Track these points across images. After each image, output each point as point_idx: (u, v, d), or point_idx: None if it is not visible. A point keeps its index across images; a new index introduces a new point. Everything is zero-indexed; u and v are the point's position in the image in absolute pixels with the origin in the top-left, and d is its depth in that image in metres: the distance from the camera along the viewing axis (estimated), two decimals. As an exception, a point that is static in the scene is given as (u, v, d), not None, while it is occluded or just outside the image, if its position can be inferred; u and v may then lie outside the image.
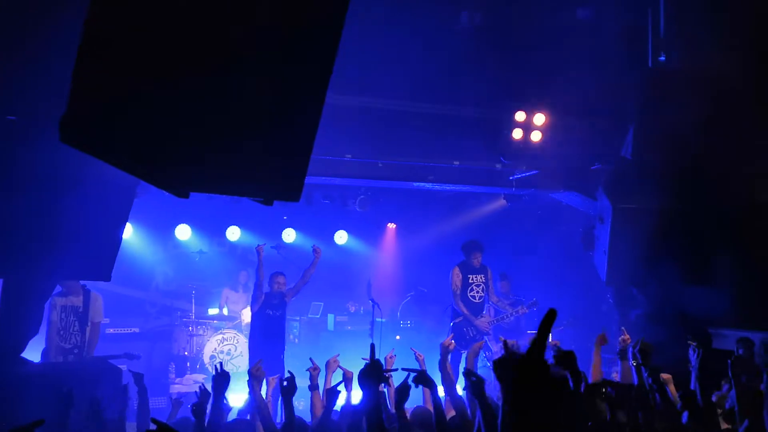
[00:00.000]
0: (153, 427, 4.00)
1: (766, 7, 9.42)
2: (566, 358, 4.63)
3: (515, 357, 4.21)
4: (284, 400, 5.61)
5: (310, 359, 6.80)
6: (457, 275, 11.35)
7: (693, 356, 6.40)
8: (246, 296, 13.04)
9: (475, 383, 4.73)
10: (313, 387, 6.55)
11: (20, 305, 7.76)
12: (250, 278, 13.64)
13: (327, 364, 6.76)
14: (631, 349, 6.89)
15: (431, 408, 5.52)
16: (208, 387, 5.79)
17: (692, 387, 6.27)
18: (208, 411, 5.49)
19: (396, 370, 6.43)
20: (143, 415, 6.19)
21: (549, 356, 5.03)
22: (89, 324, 9.43)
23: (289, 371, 5.88)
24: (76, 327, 9.35)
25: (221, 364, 5.97)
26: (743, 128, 9.83)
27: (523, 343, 7.35)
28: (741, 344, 9.72)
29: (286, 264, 13.24)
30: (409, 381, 5.11)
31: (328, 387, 6.24)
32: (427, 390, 5.92)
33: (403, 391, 5.03)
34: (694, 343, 6.42)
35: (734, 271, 10.28)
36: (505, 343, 4.44)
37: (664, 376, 6.39)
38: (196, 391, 5.84)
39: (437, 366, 6.89)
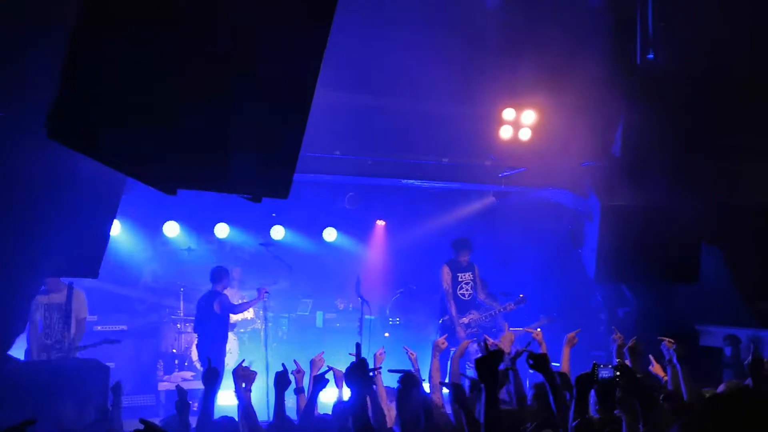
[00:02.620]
0: (140, 426, 3.99)
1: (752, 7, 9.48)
2: (540, 360, 4.72)
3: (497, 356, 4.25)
4: (276, 393, 5.59)
5: (294, 361, 6.75)
6: (447, 273, 11.40)
7: (666, 352, 6.46)
8: (239, 293, 13.03)
9: (454, 391, 4.76)
10: (299, 390, 6.51)
11: (6, 302, 7.71)
12: (240, 275, 13.62)
13: (312, 363, 6.73)
14: (615, 346, 6.98)
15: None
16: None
17: (669, 383, 6.33)
18: (197, 408, 5.46)
19: (379, 369, 6.44)
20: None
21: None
22: (73, 320, 9.42)
23: (282, 364, 5.87)
24: (60, 324, 9.35)
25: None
26: (729, 128, 9.89)
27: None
28: (728, 341, 9.79)
29: (274, 261, 13.23)
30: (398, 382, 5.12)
31: (312, 387, 6.23)
32: None
33: (403, 396, 5.05)
34: (665, 340, 6.47)
35: (721, 269, 10.34)
36: (485, 343, 4.46)
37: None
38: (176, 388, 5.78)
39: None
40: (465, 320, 11.26)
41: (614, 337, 7.38)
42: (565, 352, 7.12)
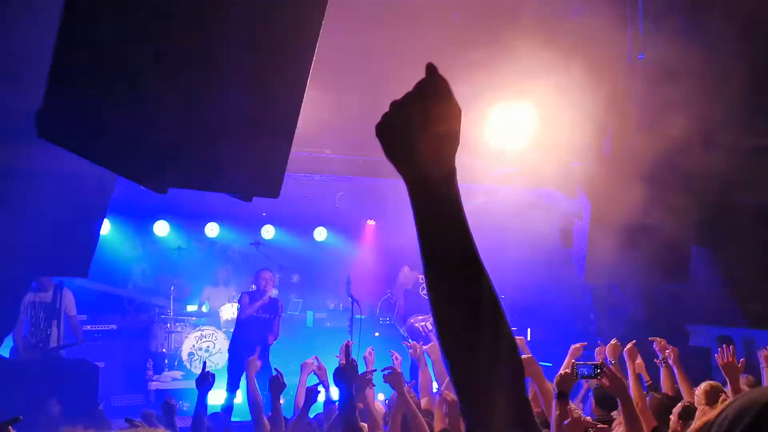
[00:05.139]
0: (126, 425, 3.99)
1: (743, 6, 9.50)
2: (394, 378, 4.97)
3: None
4: (272, 396, 5.64)
5: (276, 369, 6.78)
6: (405, 274, 11.41)
7: (659, 353, 6.49)
8: (226, 291, 12.99)
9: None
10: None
11: (-4, 301, 7.69)
12: (230, 274, 13.60)
13: (303, 366, 6.75)
14: (607, 354, 7.00)
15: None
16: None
17: (662, 383, 6.37)
18: (186, 407, 5.51)
19: (366, 373, 6.47)
20: None
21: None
22: (61, 318, 9.45)
23: (275, 369, 5.90)
24: (45, 322, 9.37)
25: (204, 364, 5.97)
26: (720, 126, 9.91)
27: None
28: (719, 342, 9.81)
29: (265, 261, 13.21)
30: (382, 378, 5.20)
31: (301, 387, 6.29)
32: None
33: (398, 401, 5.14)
34: (656, 340, 6.49)
35: (712, 269, 10.37)
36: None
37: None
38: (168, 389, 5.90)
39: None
40: (425, 323, 10.95)
41: (597, 350, 7.49)
42: (567, 362, 7.11)
